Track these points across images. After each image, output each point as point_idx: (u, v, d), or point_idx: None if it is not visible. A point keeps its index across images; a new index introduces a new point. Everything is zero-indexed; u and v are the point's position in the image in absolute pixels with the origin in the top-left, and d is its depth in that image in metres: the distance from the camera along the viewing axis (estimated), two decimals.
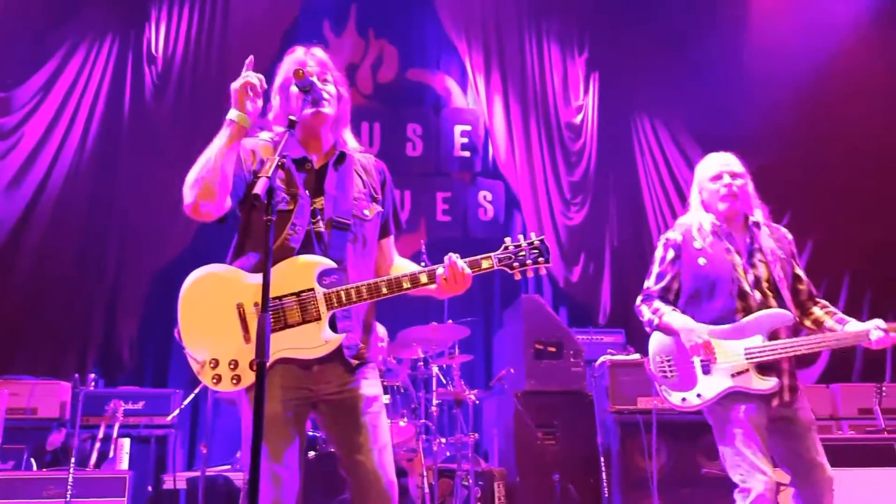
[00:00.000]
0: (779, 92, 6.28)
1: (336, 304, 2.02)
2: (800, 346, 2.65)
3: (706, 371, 2.69)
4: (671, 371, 2.76)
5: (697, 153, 6.54)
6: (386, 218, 2.24)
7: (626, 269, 6.58)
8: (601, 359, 4.74)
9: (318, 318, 2.01)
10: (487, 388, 5.38)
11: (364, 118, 6.37)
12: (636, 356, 4.90)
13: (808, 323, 2.79)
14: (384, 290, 2.02)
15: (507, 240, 2.09)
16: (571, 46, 6.79)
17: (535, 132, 6.58)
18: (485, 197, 6.57)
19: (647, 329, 2.86)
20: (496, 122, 6.55)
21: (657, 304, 2.82)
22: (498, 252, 2.08)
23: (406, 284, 2.03)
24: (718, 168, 2.82)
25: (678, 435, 4.35)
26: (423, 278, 2.04)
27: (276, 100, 2.19)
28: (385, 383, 4.48)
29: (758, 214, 2.84)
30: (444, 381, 4.86)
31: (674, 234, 2.87)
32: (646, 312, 2.84)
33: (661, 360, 2.79)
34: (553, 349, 4.77)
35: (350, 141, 2.25)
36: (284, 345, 2.00)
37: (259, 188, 1.79)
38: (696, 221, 2.84)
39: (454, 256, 2.02)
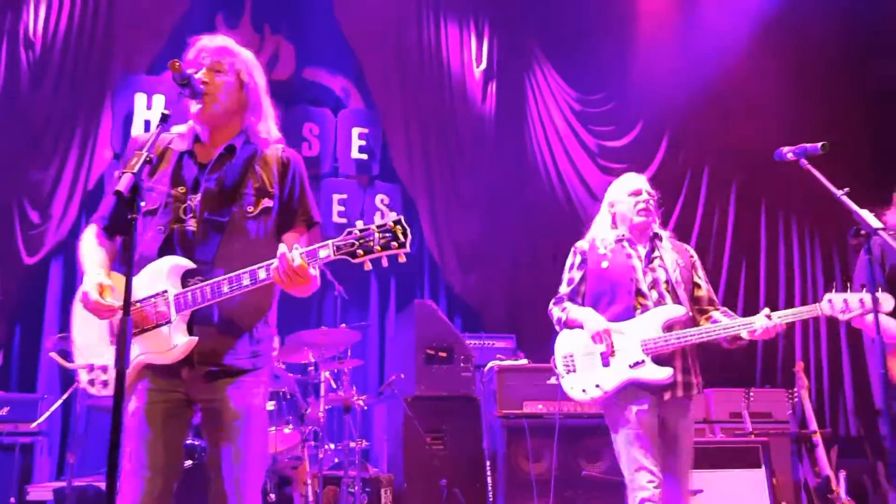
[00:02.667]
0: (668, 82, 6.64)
1: (185, 306, 1.95)
2: (691, 336, 2.80)
3: (605, 363, 2.87)
4: (574, 365, 2.94)
5: (594, 171, 6.84)
6: (289, 210, 2.13)
7: (522, 275, 6.72)
8: (490, 364, 4.82)
9: (169, 321, 1.94)
10: (378, 393, 5.38)
11: None
12: (524, 361, 5.02)
13: (703, 323, 2.94)
14: (225, 289, 1.93)
15: (359, 223, 1.90)
16: (472, 50, 6.88)
17: (433, 137, 6.61)
18: (382, 200, 6.56)
19: (557, 328, 3.05)
20: (393, 126, 6.54)
21: (567, 304, 3.05)
22: (338, 239, 1.89)
23: (245, 281, 1.93)
24: (639, 185, 3.08)
25: (561, 438, 4.45)
26: (262, 273, 1.94)
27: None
28: (271, 389, 4.37)
29: (662, 232, 3.09)
30: (335, 387, 4.80)
31: (581, 243, 3.12)
32: (556, 312, 3.06)
33: (564, 356, 2.98)
34: (444, 354, 4.82)
35: (265, 132, 2.15)
36: (141, 349, 1.93)
37: (122, 185, 1.71)
38: (600, 233, 3.08)
39: (286, 248, 1.90)
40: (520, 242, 6.71)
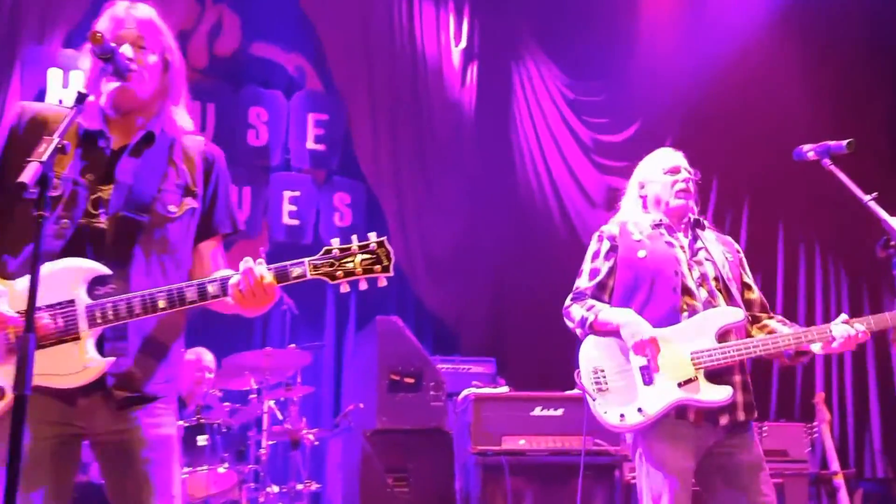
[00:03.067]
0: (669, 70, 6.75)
1: (101, 321, 1.90)
2: (755, 348, 2.65)
3: (648, 381, 2.67)
4: (606, 383, 2.74)
5: (583, 163, 6.92)
6: (210, 216, 2.14)
7: (504, 289, 6.75)
8: (465, 392, 4.82)
9: (77, 338, 1.89)
10: (333, 426, 5.37)
11: (196, 97, 5.96)
12: (505, 389, 5.02)
13: (760, 335, 2.78)
14: (162, 305, 1.90)
15: (335, 241, 1.96)
16: (450, 28, 6.92)
17: (403, 127, 6.62)
18: (342, 200, 6.56)
19: (579, 332, 2.84)
20: (357, 112, 6.54)
21: (592, 301, 2.83)
22: (316, 257, 1.94)
23: (192, 297, 1.92)
24: (676, 161, 2.95)
25: (546, 478, 4.49)
26: (213, 289, 1.93)
27: (85, 62, 2.08)
28: (203, 421, 4.38)
29: (702, 220, 2.97)
30: (281, 418, 4.82)
31: (609, 227, 2.94)
32: (577, 312, 2.83)
33: (594, 371, 2.76)
34: (410, 380, 4.82)
35: (181, 120, 2.16)
36: (35, 370, 1.84)
37: (27, 176, 1.67)
38: (631, 217, 2.93)
39: (252, 262, 1.91)
40: (502, 251, 6.74)
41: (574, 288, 2.92)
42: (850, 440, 6.56)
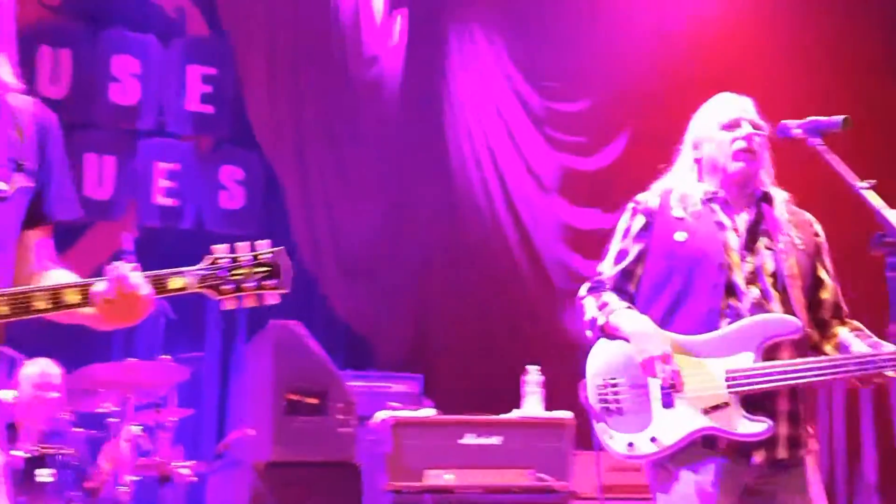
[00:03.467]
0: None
1: None
2: (807, 371, 2.56)
3: (667, 403, 2.62)
4: (616, 401, 2.69)
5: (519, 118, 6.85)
6: (42, 198, 2.08)
7: (433, 292, 6.73)
8: (380, 415, 4.80)
9: None
10: (215, 457, 5.34)
11: (44, 40, 6.01)
12: (431, 412, 5.02)
13: (828, 348, 2.72)
14: (3, 311, 1.87)
15: (219, 248, 1.97)
16: None
17: (311, 90, 6.56)
18: (232, 175, 6.45)
19: (589, 333, 2.81)
20: (254, 67, 6.45)
21: (608, 296, 2.77)
22: (201, 266, 1.95)
23: (41, 305, 1.89)
24: (736, 113, 2.78)
25: None
26: (71, 297, 1.90)
27: None
28: (46, 451, 4.32)
29: (775, 190, 2.82)
30: (148, 448, 4.75)
31: (647, 197, 2.84)
32: (589, 308, 2.79)
33: (603, 384, 2.71)
34: (313, 401, 4.79)
35: (7, 75, 2.08)
36: None
37: None
38: (680, 186, 2.81)
39: (125, 267, 1.88)
40: (432, 246, 6.72)
41: (595, 273, 2.87)
42: (837, 478, 6.73)
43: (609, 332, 2.73)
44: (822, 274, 2.79)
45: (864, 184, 2.43)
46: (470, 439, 4.63)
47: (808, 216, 2.86)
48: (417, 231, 6.64)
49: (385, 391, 5.57)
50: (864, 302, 2.94)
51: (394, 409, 4.93)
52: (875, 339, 2.68)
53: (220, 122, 6.46)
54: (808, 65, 6.93)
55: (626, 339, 2.68)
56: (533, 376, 5.01)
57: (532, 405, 4.92)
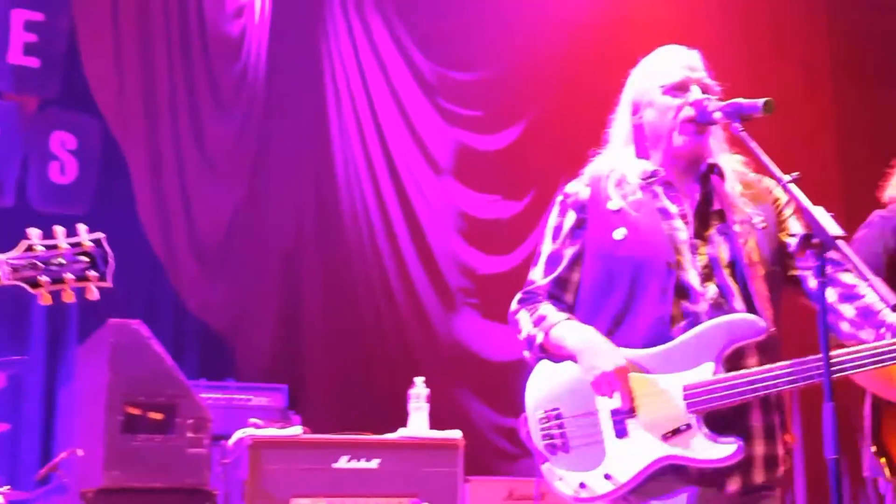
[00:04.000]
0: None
1: None
2: (777, 379, 2.50)
3: (620, 432, 2.59)
4: (562, 435, 2.66)
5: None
6: None
7: (304, 287, 6.76)
8: (238, 434, 4.82)
9: None
10: (38, 482, 5.24)
11: None
12: (299, 430, 5.05)
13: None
14: None
15: (33, 233, 2.05)
16: None
17: (160, 40, 6.51)
18: (64, 143, 6.36)
19: (527, 354, 2.78)
20: (90, 14, 6.34)
21: (544, 308, 2.73)
22: (13, 255, 2.01)
23: None
24: (682, 73, 2.72)
25: None
26: None
27: None
28: None
29: (725, 159, 2.74)
30: None
31: (577, 187, 2.79)
32: (524, 323, 2.75)
33: (545, 416, 2.68)
34: (157, 416, 4.72)
35: None
36: None
37: None
38: (615, 168, 2.76)
39: None
40: (304, 234, 6.76)
41: (527, 281, 2.83)
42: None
43: (551, 351, 2.70)
44: (788, 238, 2.72)
45: (789, 177, 2.42)
46: (344, 462, 4.67)
47: (767, 182, 2.77)
48: (287, 217, 6.68)
49: (244, 405, 5.60)
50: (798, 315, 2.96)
51: (255, 426, 4.94)
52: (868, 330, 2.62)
53: (48, 79, 6.33)
54: (727, 47, 7.24)
55: (572, 357, 2.64)
56: (419, 389, 5.07)
57: (417, 423, 4.98)
